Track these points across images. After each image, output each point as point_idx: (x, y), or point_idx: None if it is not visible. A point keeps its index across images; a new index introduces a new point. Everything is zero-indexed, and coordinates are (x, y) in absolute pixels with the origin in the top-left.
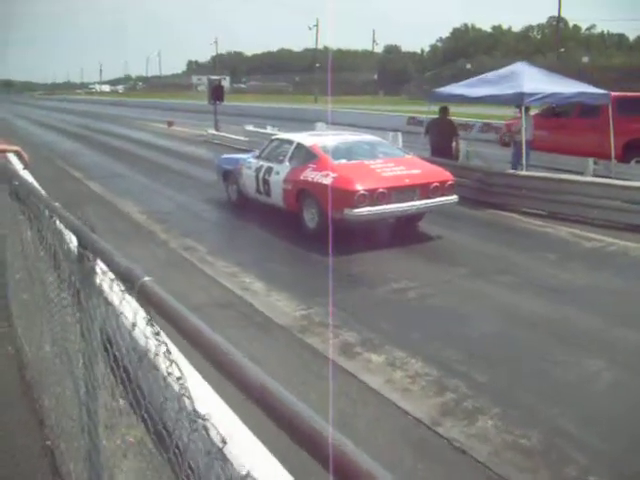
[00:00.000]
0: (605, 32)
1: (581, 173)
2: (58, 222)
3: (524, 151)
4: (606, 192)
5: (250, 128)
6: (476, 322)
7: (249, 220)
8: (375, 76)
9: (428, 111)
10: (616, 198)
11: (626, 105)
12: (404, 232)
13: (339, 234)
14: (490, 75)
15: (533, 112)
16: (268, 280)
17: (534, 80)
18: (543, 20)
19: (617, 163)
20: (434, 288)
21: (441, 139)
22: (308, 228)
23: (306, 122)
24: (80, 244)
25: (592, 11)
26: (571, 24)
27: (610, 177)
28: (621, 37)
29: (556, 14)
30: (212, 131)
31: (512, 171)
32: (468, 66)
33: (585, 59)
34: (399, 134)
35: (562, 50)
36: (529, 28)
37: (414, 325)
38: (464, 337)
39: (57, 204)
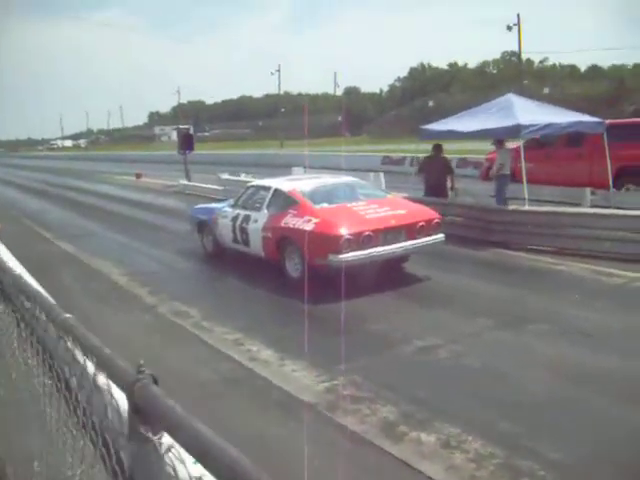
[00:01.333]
0: (557, 64)
1: (578, 204)
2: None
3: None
4: (616, 223)
5: (225, 176)
6: (523, 384)
7: (235, 274)
8: (340, 118)
9: (417, 149)
10: (627, 229)
11: (614, 132)
12: (406, 278)
13: (325, 282)
14: (478, 109)
15: (512, 145)
16: (277, 346)
17: (527, 111)
18: (497, 55)
19: (615, 192)
20: (464, 345)
21: (436, 177)
22: (291, 277)
23: (278, 167)
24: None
25: (543, 45)
26: (524, 57)
27: (610, 207)
28: (573, 68)
29: (508, 49)
30: (184, 181)
31: (514, 207)
32: (430, 103)
33: (546, 90)
34: (381, 174)
35: (525, 82)
36: (484, 64)
37: (456, 392)
38: (516, 403)
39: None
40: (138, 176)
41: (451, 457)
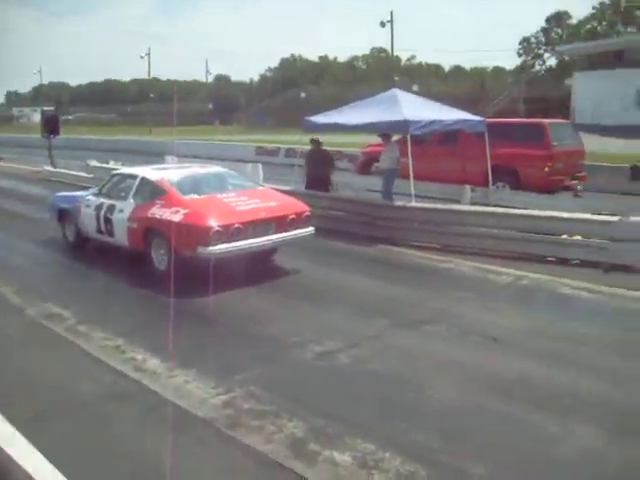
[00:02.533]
0: (424, 63)
1: (458, 201)
2: None
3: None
4: (499, 222)
5: (94, 163)
6: (431, 390)
7: (105, 268)
8: (210, 106)
9: (299, 141)
10: (509, 227)
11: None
12: (290, 275)
13: (196, 275)
14: (363, 103)
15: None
16: (164, 353)
17: (413, 107)
18: (367, 51)
19: (494, 189)
20: (365, 348)
21: (317, 171)
22: (158, 270)
23: (148, 155)
24: None
25: (411, 43)
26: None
27: (489, 204)
28: (438, 67)
29: (377, 45)
30: (49, 167)
31: (400, 203)
32: (302, 94)
33: (415, 87)
34: (259, 165)
35: (396, 78)
36: (354, 58)
37: (364, 402)
38: (427, 412)
39: None
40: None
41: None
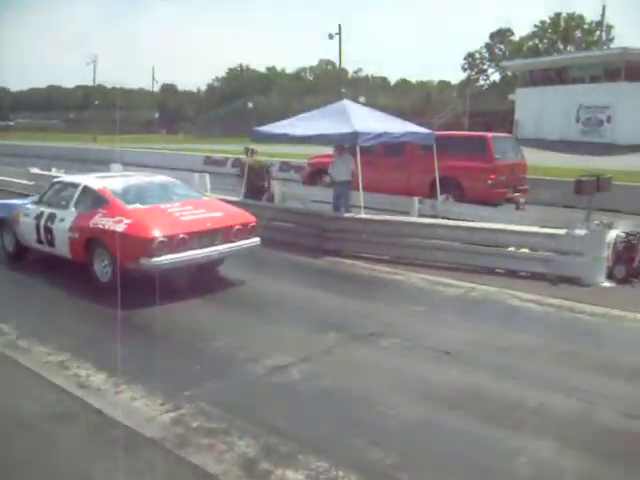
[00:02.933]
0: (370, 75)
1: (406, 213)
2: None
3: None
4: (448, 234)
5: (36, 171)
6: (385, 405)
7: (46, 280)
8: (157, 114)
9: (242, 150)
10: (458, 239)
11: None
12: (236, 287)
13: (141, 287)
14: (313, 114)
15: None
16: (109, 368)
17: (362, 118)
18: (314, 62)
19: (442, 201)
20: (317, 363)
21: (253, 180)
22: (101, 281)
23: (93, 163)
24: None
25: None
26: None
27: (437, 216)
28: (384, 80)
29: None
30: None
31: (349, 214)
32: (250, 105)
33: (362, 99)
34: (206, 175)
35: (343, 90)
36: (302, 70)
37: (317, 418)
38: (384, 429)
39: None
40: None
41: None
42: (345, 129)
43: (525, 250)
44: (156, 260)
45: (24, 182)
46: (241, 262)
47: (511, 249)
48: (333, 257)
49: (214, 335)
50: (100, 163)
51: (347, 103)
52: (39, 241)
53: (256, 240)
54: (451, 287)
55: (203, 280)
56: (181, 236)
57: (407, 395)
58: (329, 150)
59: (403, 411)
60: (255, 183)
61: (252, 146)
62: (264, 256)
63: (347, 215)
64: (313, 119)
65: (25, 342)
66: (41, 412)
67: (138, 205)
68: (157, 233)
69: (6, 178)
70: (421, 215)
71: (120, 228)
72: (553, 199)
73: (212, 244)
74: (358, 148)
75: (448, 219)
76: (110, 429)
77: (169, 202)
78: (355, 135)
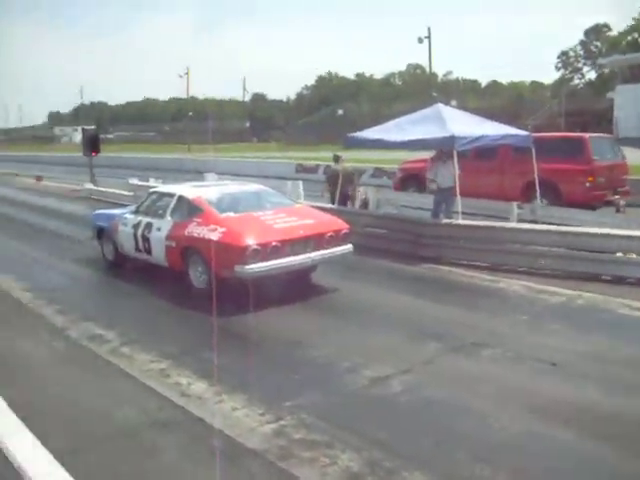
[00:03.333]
0: (460, 78)
1: (506, 218)
2: None
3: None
4: (551, 239)
5: (135, 182)
6: (492, 419)
7: (147, 288)
8: (247, 124)
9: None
10: (561, 245)
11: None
12: (336, 295)
13: (235, 293)
14: (407, 119)
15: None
16: (210, 377)
17: (458, 122)
18: (403, 68)
19: (542, 205)
20: (418, 374)
21: (341, 187)
22: (196, 288)
23: (187, 172)
24: None
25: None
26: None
27: (537, 221)
28: (474, 83)
29: (413, 62)
30: (89, 185)
31: (447, 220)
32: (340, 112)
33: (453, 103)
34: (300, 182)
35: (435, 94)
36: (390, 75)
37: (421, 432)
38: (489, 444)
39: None
40: (38, 179)
41: None
42: (442, 133)
43: (633, 255)
44: (250, 267)
45: (123, 192)
46: (335, 269)
47: (618, 254)
48: (430, 264)
49: (312, 344)
50: (195, 172)
51: (442, 107)
52: (137, 249)
53: (349, 247)
54: (555, 295)
55: (299, 287)
56: (274, 244)
57: (513, 408)
58: (420, 156)
59: (510, 425)
60: (342, 190)
61: (340, 153)
62: (359, 263)
63: (444, 221)
64: (407, 124)
65: (128, 349)
66: (144, 420)
67: (231, 213)
68: (250, 241)
69: (105, 189)
70: (520, 220)
71: (214, 236)
72: None
73: (304, 251)
74: (455, 153)
75: (549, 224)
76: (212, 439)
77: (262, 210)
78: (452, 139)
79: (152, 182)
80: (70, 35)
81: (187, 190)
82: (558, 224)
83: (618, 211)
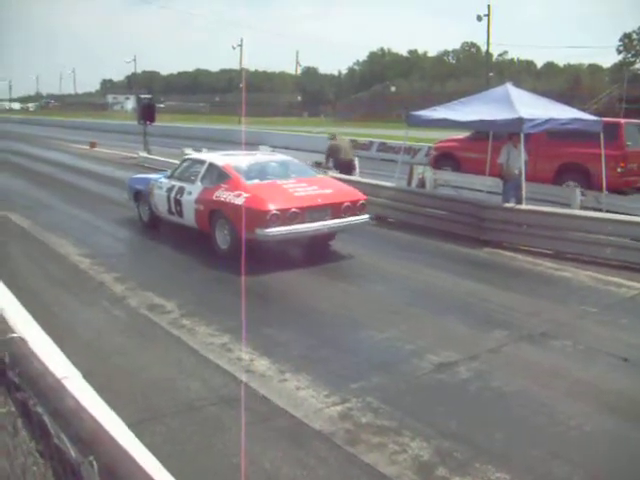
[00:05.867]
0: (515, 59)
1: (567, 205)
2: None
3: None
4: (618, 229)
5: (189, 151)
6: (565, 414)
7: (200, 255)
8: (299, 97)
9: (406, 136)
10: (628, 236)
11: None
12: (391, 275)
13: (265, 256)
14: (472, 99)
15: (463, 135)
16: (273, 354)
17: (526, 104)
18: (457, 46)
19: (607, 194)
20: (485, 362)
21: (342, 158)
22: (220, 249)
23: (239, 144)
24: None
25: (503, 38)
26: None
27: (601, 210)
28: (530, 64)
29: (468, 40)
30: (143, 153)
31: (510, 205)
32: (393, 89)
33: (509, 84)
34: (356, 159)
35: (491, 74)
36: (444, 53)
37: (492, 423)
38: (565, 440)
39: None
40: (92, 145)
41: None
42: (509, 115)
43: None
44: (270, 231)
45: (176, 162)
46: (394, 249)
47: None
48: (492, 248)
49: (376, 325)
50: (247, 144)
51: (510, 88)
52: (170, 212)
53: (365, 217)
54: (623, 287)
55: (359, 268)
56: (293, 210)
57: (586, 404)
58: (453, 135)
59: (584, 421)
60: (343, 161)
61: (333, 130)
62: (418, 244)
63: (507, 205)
64: (473, 104)
65: (188, 321)
66: (209, 395)
67: (257, 181)
68: (271, 206)
69: (159, 157)
70: (583, 207)
71: (239, 201)
72: None
73: (322, 219)
74: (522, 136)
75: (614, 213)
76: (277, 418)
77: (285, 179)
78: (520, 121)
79: (205, 152)
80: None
81: (217, 158)
82: (622, 213)
83: None
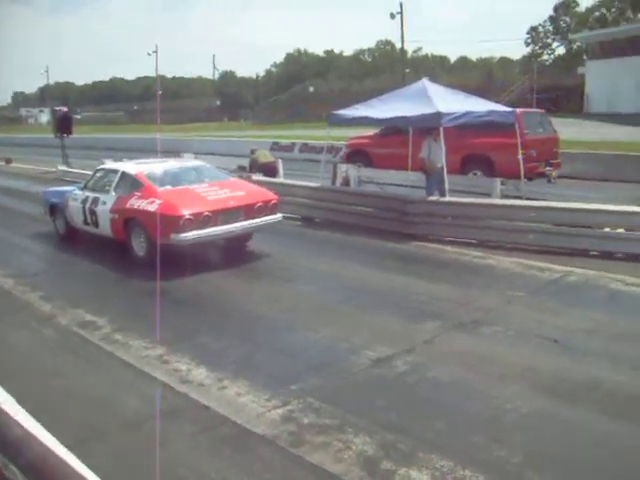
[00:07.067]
0: (429, 54)
1: (488, 194)
2: None
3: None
4: (539, 215)
5: (110, 163)
6: (501, 399)
7: (124, 268)
8: (218, 102)
9: (328, 136)
10: (549, 221)
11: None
12: (318, 273)
13: (186, 261)
14: (391, 95)
15: (373, 132)
16: (210, 362)
17: (443, 98)
18: (372, 44)
19: (526, 182)
20: (420, 354)
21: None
22: (138, 256)
23: (162, 153)
24: None
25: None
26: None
27: (521, 197)
28: (444, 59)
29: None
30: (63, 167)
31: (434, 198)
32: (311, 89)
33: (426, 79)
34: (279, 161)
35: (407, 71)
36: (360, 52)
37: (431, 413)
38: (503, 424)
39: None
40: (8, 161)
41: None
42: (427, 110)
43: (621, 230)
44: (184, 235)
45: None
46: (323, 247)
47: (606, 230)
48: (418, 242)
49: (311, 325)
50: (170, 153)
51: (427, 83)
52: (85, 223)
53: (278, 217)
54: (546, 271)
55: (277, 268)
56: (206, 213)
57: (520, 387)
58: (366, 132)
59: (520, 404)
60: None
61: (254, 147)
62: (345, 241)
63: (431, 198)
64: (392, 100)
65: (121, 336)
66: (148, 409)
67: (169, 187)
68: (184, 211)
69: (80, 170)
70: (504, 196)
71: (152, 208)
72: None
73: (235, 220)
74: (442, 129)
75: (532, 200)
76: (219, 426)
77: (198, 184)
78: (439, 115)
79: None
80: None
81: (130, 166)
82: (542, 199)
83: (550, 182)
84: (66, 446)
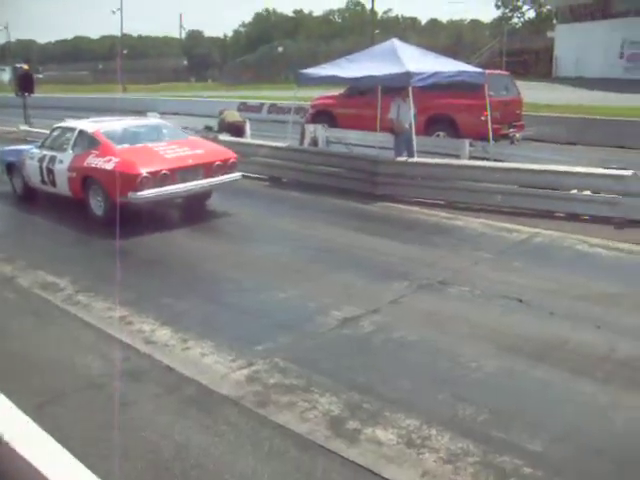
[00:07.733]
0: (400, 16)
1: (457, 156)
2: None
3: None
4: (508, 177)
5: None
6: (466, 357)
7: (86, 228)
8: (185, 62)
9: (295, 96)
10: (517, 183)
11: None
12: (288, 233)
13: (145, 220)
14: (360, 55)
15: (338, 92)
16: (173, 323)
17: (413, 58)
18: (342, 4)
19: (494, 143)
20: (387, 314)
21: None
22: (96, 215)
23: (126, 113)
24: None
25: None
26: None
27: (489, 159)
28: (414, 20)
29: None
30: (24, 127)
31: (402, 158)
32: (280, 49)
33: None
34: (247, 121)
35: (377, 32)
36: (330, 12)
37: (398, 372)
38: (467, 383)
39: None
40: None
41: (421, 459)
42: (397, 69)
43: (588, 192)
44: (142, 194)
45: None
46: (288, 207)
47: (573, 192)
48: (386, 202)
49: (277, 285)
50: (133, 113)
51: (397, 43)
52: (43, 182)
53: (237, 175)
54: (514, 232)
55: (242, 227)
56: (164, 172)
57: (486, 346)
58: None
59: (485, 363)
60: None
61: (221, 108)
62: (313, 202)
63: (399, 159)
64: (361, 60)
65: (84, 297)
66: (111, 370)
67: (127, 145)
68: (142, 169)
69: (42, 130)
70: (472, 158)
71: (109, 166)
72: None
73: (194, 179)
74: (411, 89)
75: (500, 161)
76: (184, 387)
77: (157, 142)
78: (408, 75)
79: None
80: None
81: (87, 125)
82: (510, 161)
83: (512, 143)
84: (26, 410)
